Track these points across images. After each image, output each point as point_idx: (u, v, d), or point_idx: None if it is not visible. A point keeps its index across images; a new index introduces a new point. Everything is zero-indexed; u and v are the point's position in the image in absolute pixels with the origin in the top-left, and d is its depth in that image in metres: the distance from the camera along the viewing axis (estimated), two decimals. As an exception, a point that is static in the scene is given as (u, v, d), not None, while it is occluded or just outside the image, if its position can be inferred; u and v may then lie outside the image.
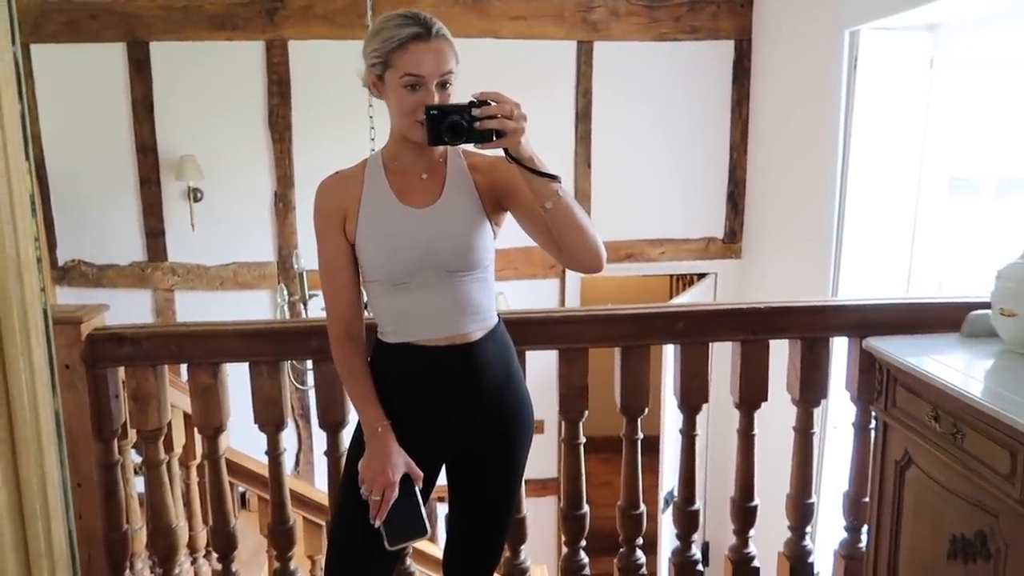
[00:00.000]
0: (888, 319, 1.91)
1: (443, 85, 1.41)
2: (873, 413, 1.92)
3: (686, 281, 6.14)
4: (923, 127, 3.28)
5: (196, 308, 4.49)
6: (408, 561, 1.98)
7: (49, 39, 4.22)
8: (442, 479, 1.65)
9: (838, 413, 3.10)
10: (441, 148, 1.50)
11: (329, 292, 1.55)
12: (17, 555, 0.55)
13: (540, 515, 4.36)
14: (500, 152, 1.35)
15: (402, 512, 1.46)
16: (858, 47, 3.31)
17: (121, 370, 1.84)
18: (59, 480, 0.57)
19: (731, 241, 4.72)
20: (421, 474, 1.50)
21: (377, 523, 1.46)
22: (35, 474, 0.55)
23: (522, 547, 2.01)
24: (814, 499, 2.03)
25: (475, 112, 1.31)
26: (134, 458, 2.18)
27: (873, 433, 1.93)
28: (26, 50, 4.22)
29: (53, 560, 0.56)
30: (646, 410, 1.96)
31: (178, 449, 2.64)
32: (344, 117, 3.90)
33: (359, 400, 1.53)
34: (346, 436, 1.75)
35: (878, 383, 1.85)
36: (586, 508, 2.00)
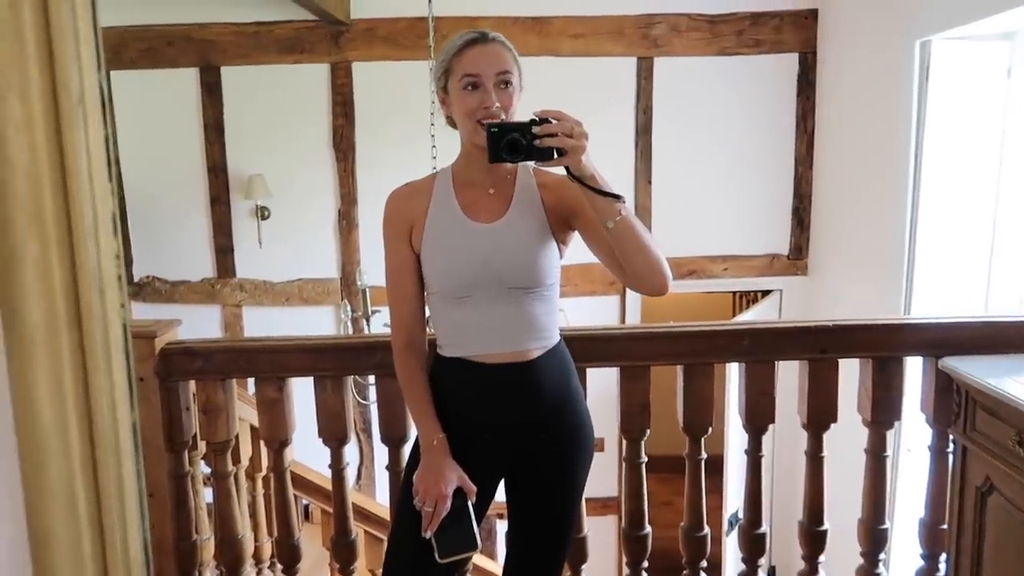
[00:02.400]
0: (966, 338, 1.83)
1: (503, 84, 1.43)
2: (951, 436, 1.84)
3: (750, 299, 6.01)
4: (1000, 138, 3.16)
5: (262, 323, 4.61)
6: (467, 578, 1.98)
7: (128, 65, 4.42)
8: (501, 496, 1.65)
9: (913, 435, 2.98)
10: (509, 165, 1.51)
11: (393, 301, 1.58)
12: (95, 564, 0.57)
13: (601, 534, 4.32)
14: (562, 170, 1.35)
15: (454, 526, 1.46)
16: (930, 57, 3.21)
17: (192, 383, 1.90)
18: (135, 491, 0.59)
19: (797, 257, 4.61)
20: (474, 488, 1.50)
21: (428, 535, 1.46)
22: (114, 485, 0.56)
23: (583, 567, 1.98)
24: (887, 524, 1.95)
25: (535, 130, 1.31)
26: (203, 469, 2.23)
27: (951, 457, 1.85)
28: (106, 76, 4.42)
29: (129, 569, 0.58)
30: (709, 429, 1.92)
31: (245, 461, 2.70)
32: (406, 136, 3.97)
33: (417, 412, 1.55)
34: (407, 451, 1.76)
35: (956, 405, 1.78)
36: (648, 528, 1.97)
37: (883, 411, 1.88)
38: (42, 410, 0.55)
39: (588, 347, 1.80)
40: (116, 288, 0.54)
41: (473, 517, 1.48)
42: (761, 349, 1.87)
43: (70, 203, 0.52)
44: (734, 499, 4.47)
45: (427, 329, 1.62)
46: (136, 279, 4.65)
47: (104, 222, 0.53)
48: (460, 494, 1.48)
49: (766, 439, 1.95)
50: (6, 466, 0.56)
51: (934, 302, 3.33)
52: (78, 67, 0.54)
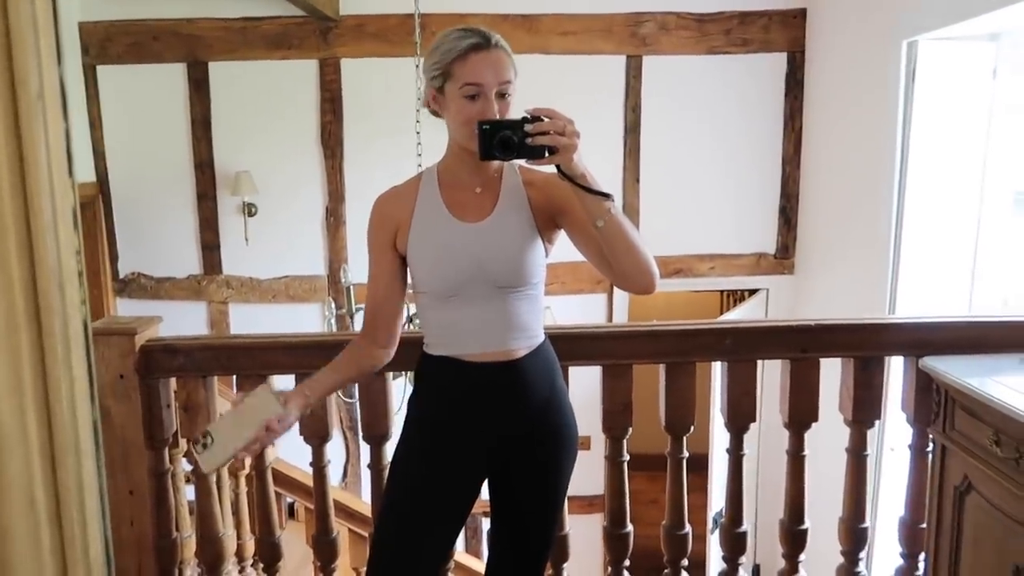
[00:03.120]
0: (946, 338, 1.85)
1: (502, 95, 1.42)
2: (930, 436, 1.85)
3: (736, 297, 6.03)
4: (985, 139, 3.18)
5: (249, 320, 4.59)
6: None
7: (114, 60, 4.39)
8: (485, 494, 1.65)
9: (895, 435, 3.00)
10: (497, 163, 1.51)
11: (367, 303, 1.60)
12: (54, 558, 0.56)
13: (587, 533, 4.32)
14: (553, 168, 1.35)
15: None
16: (916, 58, 3.23)
17: (173, 380, 1.89)
18: (96, 488, 0.58)
19: (783, 256, 4.63)
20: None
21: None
22: (73, 481, 0.56)
23: (564, 565, 1.98)
24: (868, 523, 1.96)
25: (528, 128, 1.30)
26: (184, 467, 2.22)
27: (930, 457, 1.86)
28: (92, 71, 4.40)
29: (89, 564, 0.57)
30: (692, 428, 1.92)
31: (228, 459, 2.69)
32: (394, 132, 3.96)
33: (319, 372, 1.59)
34: (390, 449, 1.76)
35: (936, 404, 1.79)
36: (630, 527, 1.97)
37: (864, 410, 1.89)
38: (0, 407, 0.54)
39: (572, 346, 1.80)
40: (76, 284, 0.53)
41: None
42: (743, 348, 1.87)
43: (28, 198, 0.52)
44: (719, 497, 4.48)
45: (407, 327, 1.61)
46: (122, 275, 4.62)
47: (64, 217, 0.53)
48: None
49: (751, 438, 1.96)
50: (-36, 463, 0.56)
51: (919, 302, 3.35)
52: (37, 60, 0.53)
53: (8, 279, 0.53)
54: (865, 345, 1.88)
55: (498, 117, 1.40)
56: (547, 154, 1.31)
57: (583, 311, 4.57)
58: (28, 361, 0.54)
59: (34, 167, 0.53)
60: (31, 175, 0.53)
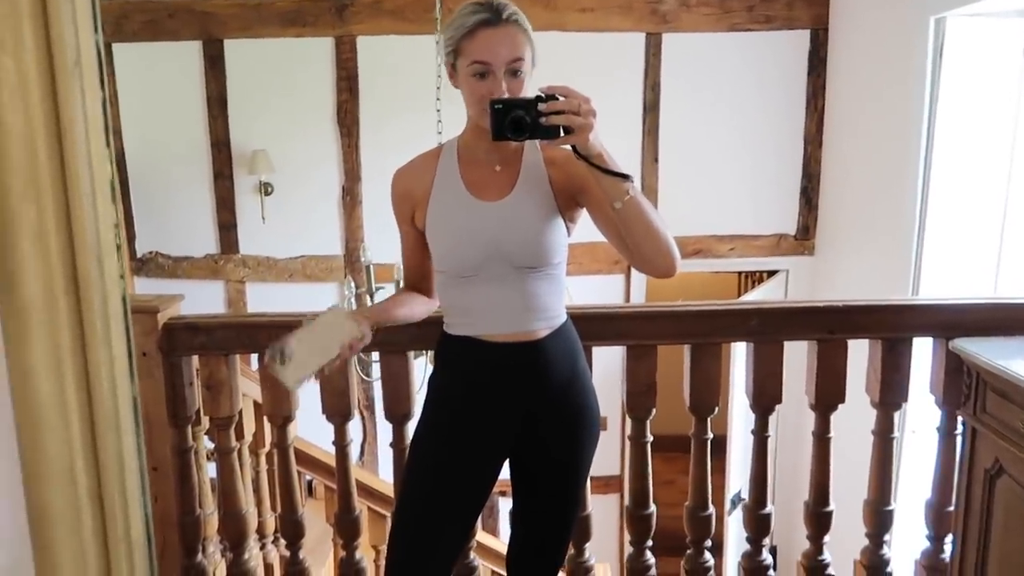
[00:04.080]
0: (977, 319, 1.81)
1: (513, 73, 1.37)
2: (960, 418, 1.82)
3: (755, 279, 5.99)
4: (1014, 117, 3.11)
5: (266, 299, 4.60)
6: (471, 555, 1.98)
7: (130, 38, 4.38)
8: (505, 473, 1.64)
9: (918, 417, 2.97)
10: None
11: (404, 264, 1.64)
12: (96, 538, 0.55)
13: (603, 513, 4.33)
14: (568, 148, 1.32)
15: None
16: (944, 35, 3.16)
17: (195, 359, 1.89)
18: (136, 466, 0.57)
19: (804, 237, 4.58)
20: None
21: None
22: (114, 460, 0.55)
23: (586, 545, 1.98)
24: (893, 506, 1.94)
25: (541, 107, 1.26)
26: (207, 445, 2.23)
27: (960, 439, 1.84)
28: (108, 49, 4.38)
29: (130, 543, 0.56)
30: (716, 409, 1.91)
31: (248, 437, 2.71)
32: (411, 111, 3.93)
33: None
34: (411, 429, 1.75)
35: (966, 387, 1.76)
36: (652, 507, 1.96)
37: (892, 392, 1.86)
38: (39, 383, 0.53)
39: (595, 326, 1.78)
40: (114, 257, 0.52)
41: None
42: (770, 329, 1.85)
43: (67, 168, 0.50)
44: (737, 479, 4.47)
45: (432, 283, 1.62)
46: (139, 255, 4.64)
47: (102, 187, 0.51)
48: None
49: (770, 419, 1.94)
50: (3, 441, 0.55)
51: (942, 283, 3.30)
52: (74, 26, 0.51)
53: (46, 250, 0.51)
54: (894, 326, 1.85)
55: (507, 96, 1.36)
56: (562, 133, 1.27)
57: (600, 292, 4.55)
58: (67, 335, 0.53)
59: (72, 136, 0.51)
60: (68, 144, 0.51)
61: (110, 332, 0.54)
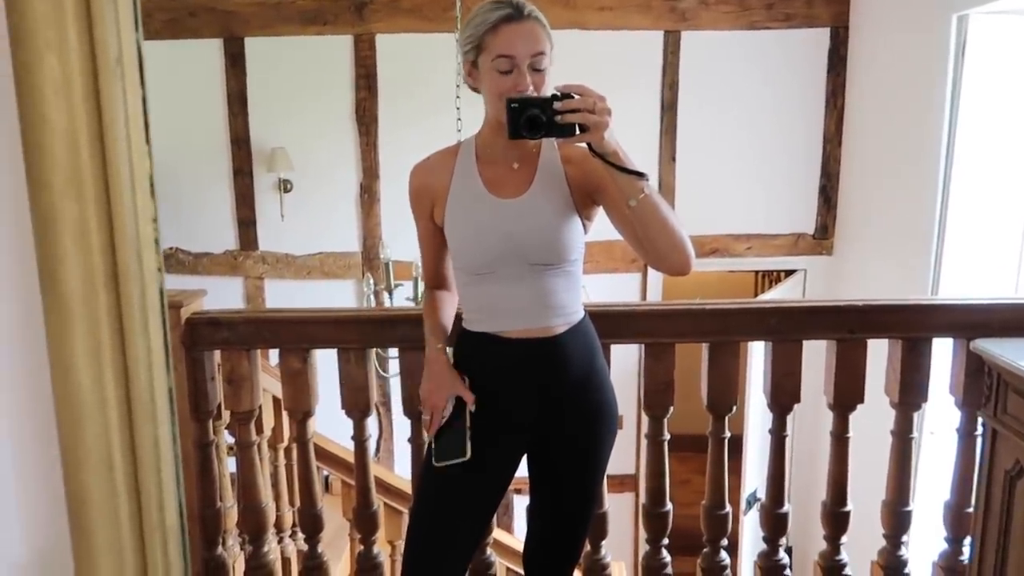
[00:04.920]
0: (999, 320, 1.80)
1: (536, 68, 1.39)
2: (980, 419, 1.81)
3: (772, 278, 5.96)
4: (1038, 117, 3.08)
5: (284, 296, 4.63)
6: (488, 551, 1.99)
7: (151, 36, 4.42)
8: (523, 471, 1.65)
9: (936, 418, 2.95)
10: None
11: (423, 258, 1.66)
12: (132, 525, 0.57)
13: (617, 511, 4.32)
14: (584, 146, 1.32)
15: (449, 434, 1.49)
16: (966, 32, 3.13)
17: (217, 353, 1.91)
18: (172, 456, 0.59)
19: (822, 237, 4.55)
20: (472, 397, 1.51)
21: (427, 438, 1.52)
22: (150, 451, 0.56)
23: (603, 543, 1.99)
24: (911, 507, 1.94)
25: (557, 105, 1.27)
26: (227, 439, 2.26)
27: (980, 440, 1.83)
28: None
29: (165, 531, 0.58)
30: (734, 408, 1.90)
31: (268, 431, 2.73)
32: (429, 110, 3.94)
33: (427, 332, 1.60)
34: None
35: (987, 387, 1.74)
36: (669, 506, 1.96)
37: (912, 393, 1.85)
38: (79, 372, 0.54)
39: (612, 323, 1.79)
40: (153, 251, 0.53)
41: (468, 427, 1.49)
42: (788, 328, 1.84)
43: (108, 164, 0.52)
44: (753, 478, 4.46)
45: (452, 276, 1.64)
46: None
47: (141, 183, 0.52)
48: (460, 404, 1.51)
49: (788, 419, 1.94)
50: (44, 430, 0.56)
51: (963, 283, 3.27)
52: (116, 25, 0.52)
53: (87, 245, 0.53)
54: (915, 326, 1.84)
55: (531, 90, 1.37)
56: (577, 132, 1.28)
57: (617, 290, 4.55)
58: (107, 328, 0.55)
59: (113, 133, 0.53)
60: (110, 140, 0.53)
61: (148, 325, 0.56)
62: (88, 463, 0.56)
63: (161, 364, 0.56)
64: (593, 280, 4.40)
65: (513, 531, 4.17)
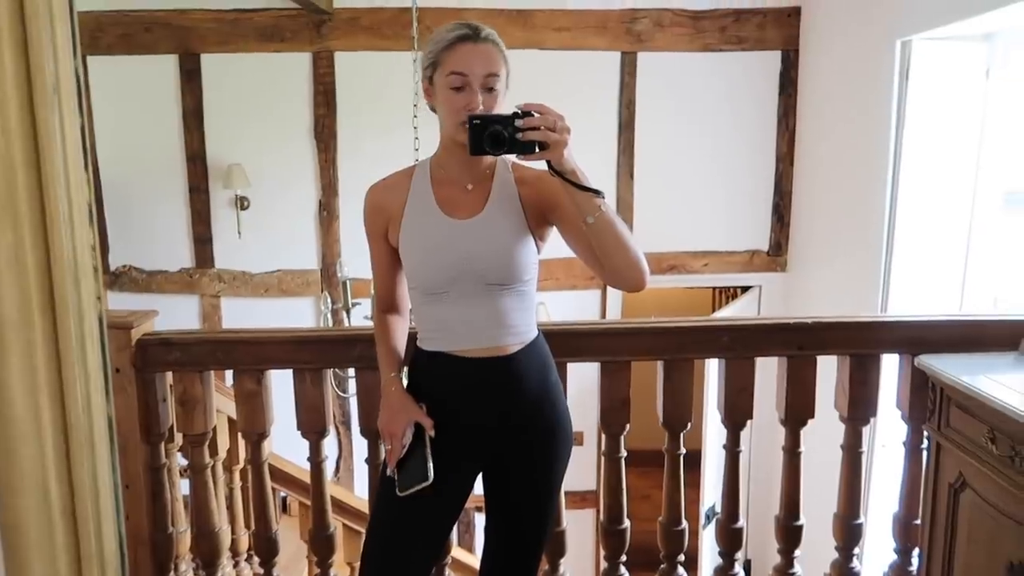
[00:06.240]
0: (942, 336, 1.86)
1: (489, 89, 1.42)
2: (925, 433, 1.86)
3: (729, 294, 6.06)
4: (978, 139, 3.20)
5: (241, 314, 4.56)
6: (446, 572, 1.98)
7: (105, 51, 4.36)
8: (479, 488, 1.65)
9: (887, 431, 3.02)
10: (489, 159, 1.51)
11: (375, 279, 1.66)
12: (69, 555, 0.56)
13: (578, 527, 4.33)
14: (543, 164, 1.35)
15: (410, 460, 1.49)
16: (910, 57, 3.24)
17: (169, 375, 1.88)
18: (111, 483, 0.58)
19: (776, 254, 4.65)
20: (430, 422, 1.51)
21: (389, 471, 1.51)
22: (88, 477, 0.56)
23: (561, 560, 1.99)
24: (862, 519, 1.98)
25: (518, 123, 1.30)
26: (180, 461, 2.21)
27: (925, 454, 1.88)
28: (83, 62, 4.36)
29: (103, 561, 0.57)
30: (689, 425, 1.93)
31: (222, 453, 2.69)
32: (388, 127, 3.94)
33: (380, 360, 1.61)
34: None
35: (931, 402, 1.80)
36: (627, 523, 1.97)
37: (859, 407, 1.90)
38: (14, 399, 0.53)
39: (569, 342, 1.81)
40: (92, 279, 0.53)
41: (429, 451, 1.49)
42: (741, 345, 1.88)
43: (44, 191, 0.51)
44: (711, 493, 4.50)
45: (406, 299, 1.64)
46: (113, 268, 4.59)
47: (80, 211, 0.52)
48: (419, 430, 1.51)
49: (744, 435, 1.97)
50: (-23, 458, 0.55)
51: (910, 300, 3.37)
52: (53, 52, 0.52)
53: (24, 272, 0.52)
54: (862, 343, 1.89)
55: (482, 110, 1.40)
56: (537, 149, 1.31)
57: (577, 307, 4.58)
58: (43, 356, 0.54)
59: (50, 160, 0.52)
60: (47, 168, 0.52)
61: (85, 351, 0.55)
62: (23, 490, 0.55)
63: (99, 391, 0.56)
64: (553, 297, 4.44)
65: (474, 550, 4.14)
